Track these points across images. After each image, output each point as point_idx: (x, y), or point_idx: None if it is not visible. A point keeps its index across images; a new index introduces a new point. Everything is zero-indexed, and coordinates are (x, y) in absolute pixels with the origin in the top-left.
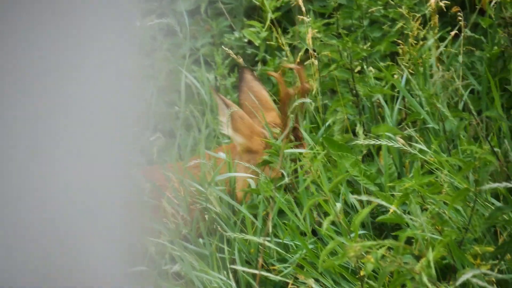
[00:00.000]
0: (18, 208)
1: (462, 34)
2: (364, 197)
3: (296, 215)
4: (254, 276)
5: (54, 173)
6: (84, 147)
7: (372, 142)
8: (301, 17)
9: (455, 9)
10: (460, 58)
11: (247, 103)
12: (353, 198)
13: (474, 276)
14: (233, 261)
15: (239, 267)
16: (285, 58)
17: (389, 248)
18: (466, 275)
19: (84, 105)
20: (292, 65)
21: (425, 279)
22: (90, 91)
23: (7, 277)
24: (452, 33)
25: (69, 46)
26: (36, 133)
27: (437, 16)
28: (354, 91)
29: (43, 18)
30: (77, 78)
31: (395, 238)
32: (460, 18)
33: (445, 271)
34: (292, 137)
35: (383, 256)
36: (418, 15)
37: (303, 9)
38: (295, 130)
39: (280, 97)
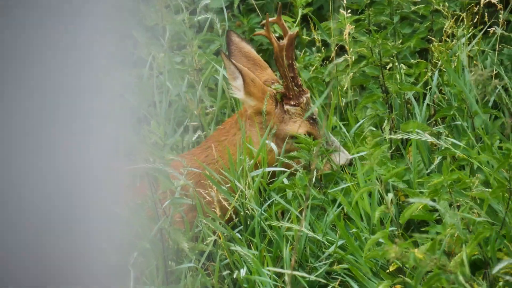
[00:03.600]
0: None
1: (495, 32)
2: (414, 199)
3: (324, 211)
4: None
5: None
6: (90, 142)
7: (400, 136)
8: (340, 12)
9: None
10: (491, 56)
11: (241, 64)
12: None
13: (508, 267)
14: (278, 259)
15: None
16: (318, 54)
17: (414, 242)
18: (502, 263)
19: (90, 101)
20: (272, 19)
21: (460, 277)
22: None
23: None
24: (484, 30)
25: (75, 43)
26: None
27: (470, 13)
28: (384, 88)
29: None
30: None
31: (424, 233)
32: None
33: (474, 267)
34: (295, 88)
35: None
36: (449, 11)
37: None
38: (294, 79)
39: (274, 51)
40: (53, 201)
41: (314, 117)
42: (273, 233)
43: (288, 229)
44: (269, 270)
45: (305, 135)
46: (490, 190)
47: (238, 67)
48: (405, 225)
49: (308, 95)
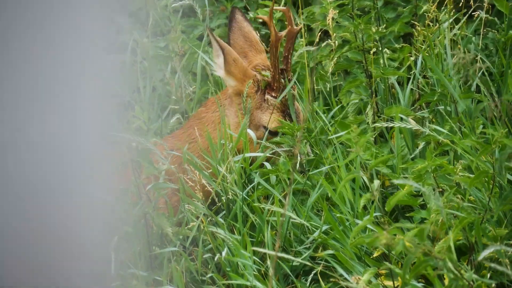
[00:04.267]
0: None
1: (479, 15)
2: (400, 181)
3: (308, 195)
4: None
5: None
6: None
7: (385, 124)
8: None
9: None
10: (474, 40)
11: (238, 43)
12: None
13: (493, 253)
14: (262, 245)
15: (263, 250)
16: (301, 39)
17: (400, 228)
18: (487, 250)
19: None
20: (280, 7)
21: (449, 264)
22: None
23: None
24: (468, 15)
25: (58, 29)
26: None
27: None
28: (368, 72)
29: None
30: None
31: (408, 219)
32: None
33: (459, 252)
34: (282, 80)
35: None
36: None
37: None
38: (284, 72)
39: (270, 39)
40: (36, 189)
41: (289, 112)
42: (255, 218)
43: (271, 213)
44: (252, 252)
45: (275, 130)
46: (473, 175)
47: (221, 44)
48: (390, 212)
49: (295, 92)
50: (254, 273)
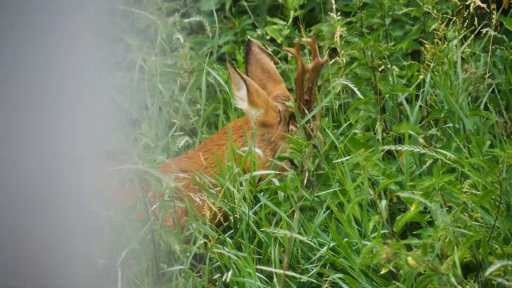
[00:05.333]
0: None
1: (487, 33)
2: (406, 194)
3: (316, 211)
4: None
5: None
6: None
7: (393, 147)
8: (330, 14)
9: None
10: (483, 57)
11: (256, 75)
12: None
13: (500, 270)
14: (268, 262)
15: (270, 269)
16: (307, 57)
17: (408, 246)
18: (494, 266)
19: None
20: (306, 40)
21: (452, 279)
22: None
23: None
24: (477, 32)
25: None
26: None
27: (461, 14)
28: (376, 89)
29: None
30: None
31: (417, 236)
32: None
33: (466, 269)
34: (306, 110)
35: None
36: (440, 14)
37: (333, 5)
38: (308, 103)
39: (297, 71)
40: (36, 201)
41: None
42: (262, 235)
43: (280, 227)
44: (259, 271)
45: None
46: (480, 193)
47: (243, 76)
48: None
49: (318, 122)
50: None
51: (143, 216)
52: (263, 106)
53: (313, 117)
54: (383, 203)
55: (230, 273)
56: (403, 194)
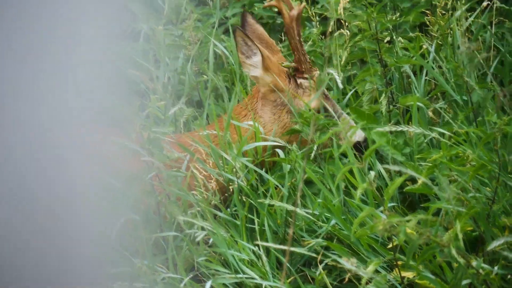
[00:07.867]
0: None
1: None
2: (394, 167)
3: (326, 186)
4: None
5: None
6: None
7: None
8: None
9: None
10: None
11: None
12: (381, 168)
13: (504, 244)
14: (262, 232)
15: (268, 244)
16: (314, 29)
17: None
18: (496, 242)
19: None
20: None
21: (453, 251)
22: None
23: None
24: (484, 4)
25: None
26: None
27: None
28: (382, 62)
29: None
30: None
31: (425, 209)
32: None
33: (475, 243)
34: (307, 61)
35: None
36: None
37: None
38: (304, 54)
39: (284, 21)
40: (38, 180)
41: (326, 93)
42: (261, 209)
43: (281, 200)
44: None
45: (318, 109)
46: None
47: (254, 42)
48: (408, 203)
49: (318, 71)
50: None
51: (147, 187)
52: (275, 71)
53: (312, 66)
54: (372, 173)
55: (203, 233)
56: (391, 167)
